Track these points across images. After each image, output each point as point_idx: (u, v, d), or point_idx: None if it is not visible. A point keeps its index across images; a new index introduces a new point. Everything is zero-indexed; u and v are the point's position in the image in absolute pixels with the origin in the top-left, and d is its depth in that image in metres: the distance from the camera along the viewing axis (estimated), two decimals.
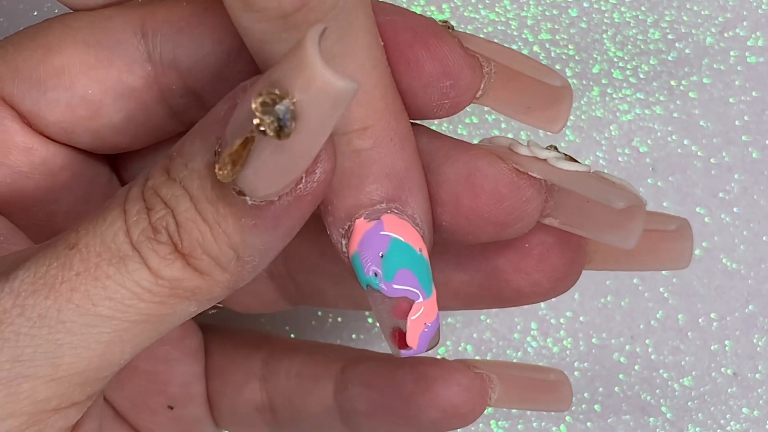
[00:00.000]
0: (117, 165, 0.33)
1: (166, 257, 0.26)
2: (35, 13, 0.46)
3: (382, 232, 0.28)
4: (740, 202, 0.46)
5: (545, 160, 0.30)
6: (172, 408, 0.36)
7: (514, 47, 0.47)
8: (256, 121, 0.23)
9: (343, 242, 0.29)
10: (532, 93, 0.30)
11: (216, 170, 0.25)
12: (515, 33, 0.47)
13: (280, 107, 0.23)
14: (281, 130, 0.23)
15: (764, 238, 0.46)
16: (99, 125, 0.30)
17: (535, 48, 0.47)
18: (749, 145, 0.46)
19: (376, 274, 0.28)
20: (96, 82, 0.30)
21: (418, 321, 0.29)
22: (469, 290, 0.33)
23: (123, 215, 0.27)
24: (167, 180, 0.26)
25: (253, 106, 0.23)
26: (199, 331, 0.37)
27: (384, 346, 0.41)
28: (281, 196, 0.26)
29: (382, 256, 0.28)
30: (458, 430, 0.36)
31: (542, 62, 0.47)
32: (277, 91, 0.23)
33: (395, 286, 0.29)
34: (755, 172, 0.46)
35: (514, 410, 0.44)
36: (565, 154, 0.31)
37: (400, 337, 0.29)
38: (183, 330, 0.36)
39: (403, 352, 0.29)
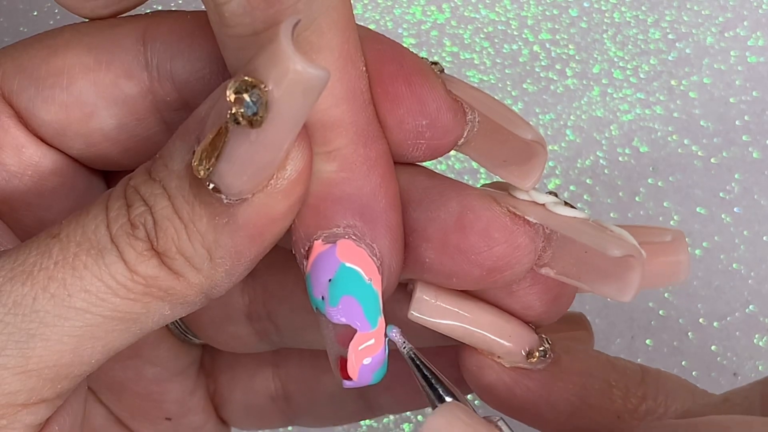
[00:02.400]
0: (111, 183, 0.33)
1: (143, 253, 0.26)
2: (35, 13, 0.46)
3: (333, 257, 0.28)
4: (740, 202, 0.46)
5: (543, 204, 0.30)
6: (170, 419, 0.36)
7: (515, 47, 0.47)
8: (231, 111, 0.24)
9: (304, 263, 0.28)
10: (511, 147, 0.30)
11: (192, 164, 0.25)
12: (515, 33, 0.47)
13: (252, 93, 0.23)
14: (253, 117, 0.24)
15: (764, 238, 0.46)
16: (91, 130, 0.30)
17: (536, 48, 0.47)
18: (749, 145, 0.46)
19: (323, 298, 0.28)
20: (92, 84, 0.30)
21: (360, 352, 0.28)
22: None
23: (105, 210, 0.27)
24: (148, 179, 0.27)
25: (228, 95, 0.24)
26: (192, 350, 0.37)
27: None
28: (254, 194, 0.26)
29: (329, 280, 0.28)
30: None
31: (543, 63, 0.47)
32: (250, 80, 0.24)
33: (338, 313, 0.28)
34: (755, 172, 0.46)
35: None
36: (565, 202, 0.30)
37: (342, 366, 0.29)
38: (173, 351, 0.36)
39: (346, 383, 0.29)
